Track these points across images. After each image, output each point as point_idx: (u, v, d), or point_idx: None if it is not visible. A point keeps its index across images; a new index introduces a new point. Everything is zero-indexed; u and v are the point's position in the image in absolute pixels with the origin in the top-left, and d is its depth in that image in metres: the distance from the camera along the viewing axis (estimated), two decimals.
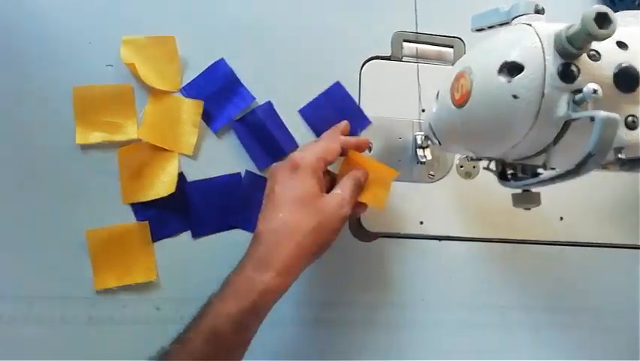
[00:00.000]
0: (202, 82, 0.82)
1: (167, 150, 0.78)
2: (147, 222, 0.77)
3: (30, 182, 0.77)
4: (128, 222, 0.77)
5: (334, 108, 0.83)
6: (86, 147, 0.78)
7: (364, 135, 0.83)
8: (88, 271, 0.76)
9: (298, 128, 0.83)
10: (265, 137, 0.81)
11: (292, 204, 0.65)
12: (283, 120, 0.83)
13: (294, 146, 0.82)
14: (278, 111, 0.83)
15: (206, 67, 0.82)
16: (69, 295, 0.75)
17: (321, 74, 0.84)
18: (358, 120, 0.84)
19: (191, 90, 0.81)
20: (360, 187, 0.72)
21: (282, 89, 0.83)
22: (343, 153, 0.74)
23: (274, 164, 0.71)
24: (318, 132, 0.83)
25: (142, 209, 0.78)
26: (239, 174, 0.81)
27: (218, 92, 0.81)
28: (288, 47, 0.84)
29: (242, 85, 0.82)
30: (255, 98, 0.81)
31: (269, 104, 0.82)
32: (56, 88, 0.78)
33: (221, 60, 0.82)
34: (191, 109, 0.80)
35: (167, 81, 0.80)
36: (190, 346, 0.60)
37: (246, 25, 0.84)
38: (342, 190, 0.69)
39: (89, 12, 0.80)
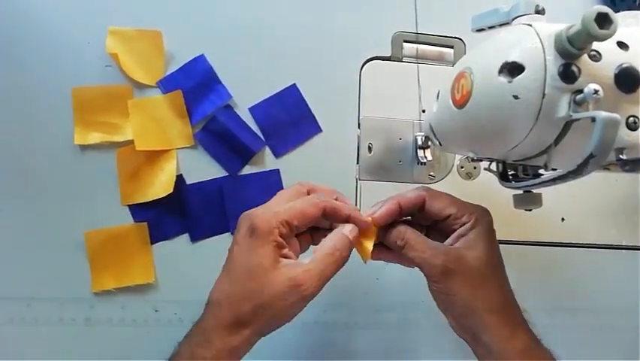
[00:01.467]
0: (180, 76, 0.82)
1: (165, 151, 0.79)
2: (146, 223, 0.78)
3: (28, 182, 0.77)
4: (126, 223, 0.78)
5: (286, 111, 0.83)
6: (84, 148, 0.78)
7: (367, 137, 0.84)
8: (86, 272, 0.76)
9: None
10: (230, 141, 0.80)
11: (240, 275, 0.59)
12: None
13: (262, 144, 0.82)
14: None
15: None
16: (67, 296, 0.76)
17: (321, 74, 0.84)
18: (309, 126, 0.83)
19: (168, 84, 0.81)
20: (340, 257, 0.61)
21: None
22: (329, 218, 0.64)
23: (245, 212, 0.61)
24: (265, 133, 0.83)
25: (140, 211, 0.78)
26: (238, 176, 0.81)
27: (195, 87, 0.81)
28: (287, 47, 0.85)
29: (219, 82, 0.82)
30: (231, 96, 0.82)
31: (228, 107, 0.82)
32: (55, 88, 0.78)
33: (201, 56, 0.82)
34: (172, 102, 0.80)
35: (149, 74, 0.81)
36: None
37: (246, 25, 0.84)
38: (313, 261, 0.59)
39: (88, 12, 0.81)
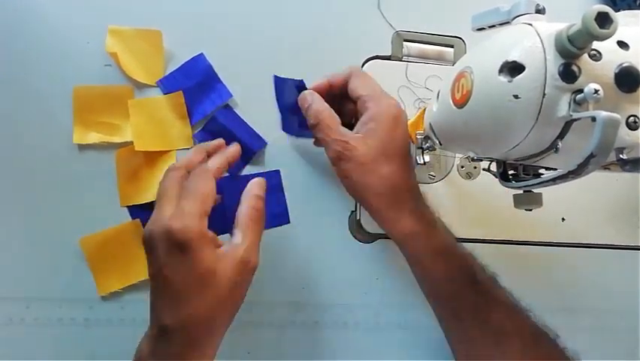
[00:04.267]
0: (179, 76, 0.82)
1: (165, 151, 0.79)
2: (139, 219, 0.78)
3: (26, 181, 0.77)
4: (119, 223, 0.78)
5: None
6: (83, 148, 0.78)
7: None
8: (85, 272, 0.76)
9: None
10: (230, 141, 0.79)
11: (193, 291, 0.57)
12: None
13: (263, 144, 0.82)
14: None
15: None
16: (67, 296, 0.76)
17: (321, 73, 0.83)
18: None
19: (167, 83, 0.81)
20: (259, 215, 0.64)
21: None
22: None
23: (148, 230, 0.60)
24: None
25: (139, 212, 0.78)
26: (239, 176, 0.81)
27: (195, 86, 0.82)
28: (286, 46, 0.85)
29: (220, 81, 0.82)
30: (231, 95, 0.82)
31: (227, 107, 0.82)
32: (54, 87, 0.79)
33: (201, 55, 0.82)
34: (172, 103, 0.81)
35: (149, 74, 0.81)
36: None
37: (246, 24, 0.84)
38: (241, 237, 0.61)
39: (88, 11, 0.81)
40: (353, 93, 0.71)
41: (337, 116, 0.71)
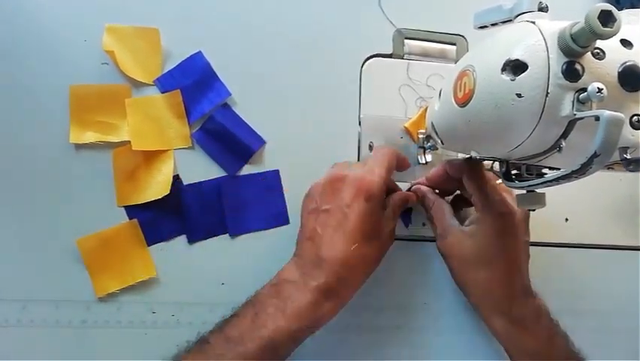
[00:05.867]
0: (177, 74, 0.82)
1: (162, 151, 0.79)
2: (136, 219, 0.78)
3: (22, 181, 0.77)
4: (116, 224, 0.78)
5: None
6: (79, 147, 0.78)
7: (368, 136, 0.84)
8: (82, 273, 0.76)
9: (294, 126, 0.84)
10: (229, 140, 0.81)
11: (366, 237, 0.66)
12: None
13: (262, 143, 0.82)
14: (278, 108, 0.83)
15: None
16: (63, 298, 0.76)
17: (321, 71, 0.85)
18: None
19: (165, 82, 0.81)
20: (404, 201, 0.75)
21: (283, 88, 0.83)
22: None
23: (344, 175, 0.69)
24: None
25: (137, 212, 0.78)
26: (237, 176, 0.81)
27: (193, 85, 0.81)
28: (286, 44, 0.85)
29: (218, 79, 0.82)
30: (230, 94, 0.82)
31: (226, 105, 0.82)
32: (50, 86, 0.79)
33: (199, 53, 0.82)
34: (170, 102, 0.81)
35: (146, 72, 0.81)
36: (243, 347, 0.62)
37: (245, 22, 0.84)
38: (393, 210, 0.72)
39: (85, 9, 0.81)
40: (467, 194, 0.75)
41: (448, 206, 0.77)
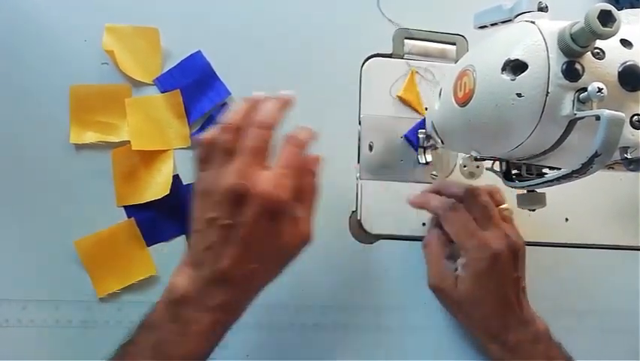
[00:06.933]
0: (177, 73, 0.82)
1: (162, 151, 0.79)
2: (133, 218, 0.78)
3: (22, 181, 0.77)
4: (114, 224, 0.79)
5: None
6: (79, 147, 0.79)
7: (368, 136, 0.84)
8: (82, 273, 0.76)
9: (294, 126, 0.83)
10: None
11: (270, 254, 0.62)
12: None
13: None
14: None
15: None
16: (63, 298, 0.76)
17: (321, 72, 0.85)
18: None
19: (165, 81, 0.81)
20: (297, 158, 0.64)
21: (283, 88, 0.82)
22: None
23: (240, 186, 0.59)
24: None
25: (136, 212, 0.78)
26: None
27: (193, 85, 0.81)
28: (286, 44, 0.85)
29: (218, 79, 0.82)
30: (230, 93, 0.82)
31: (225, 105, 0.82)
32: (50, 86, 0.79)
33: (198, 52, 0.82)
34: (170, 102, 0.81)
35: (146, 72, 0.81)
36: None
37: (244, 21, 0.85)
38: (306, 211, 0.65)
39: (84, 9, 0.81)
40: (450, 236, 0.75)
41: (442, 248, 0.77)
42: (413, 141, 0.84)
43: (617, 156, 0.49)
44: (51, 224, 0.77)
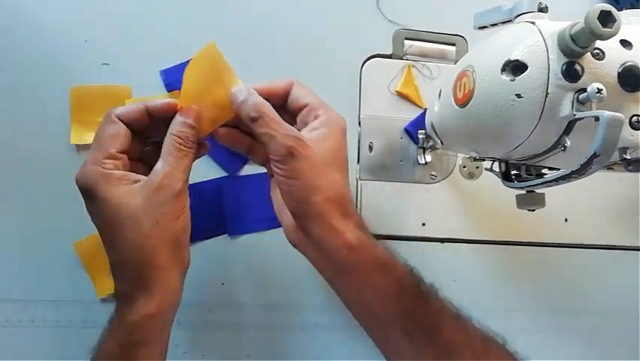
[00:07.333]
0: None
1: None
2: None
3: (23, 183, 0.78)
4: None
5: None
6: (81, 149, 0.79)
7: (368, 136, 0.84)
8: (82, 274, 0.77)
9: None
10: None
11: (114, 233, 0.59)
12: None
13: None
14: None
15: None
16: (63, 298, 0.76)
17: (320, 72, 0.85)
18: None
19: (170, 75, 0.81)
20: (182, 142, 0.61)
21: None
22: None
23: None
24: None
25: None
26: (238, 176, 0.82)
27: None
28: (286, 45, 0.85)
29: None
30: None
31: None
32: (50, 86, 0.79)
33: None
34: None
35: None
36: None
37: (245, 21, 0.85)
38: (160, 164, 0.60)
39: (85, 9, 0.81)
40: (297, 102, 0.66)
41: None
42: (413, 134, 0.84)
43: (616, 156, 0.50)
44: (52, 225, 0.77)
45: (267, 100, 0.63)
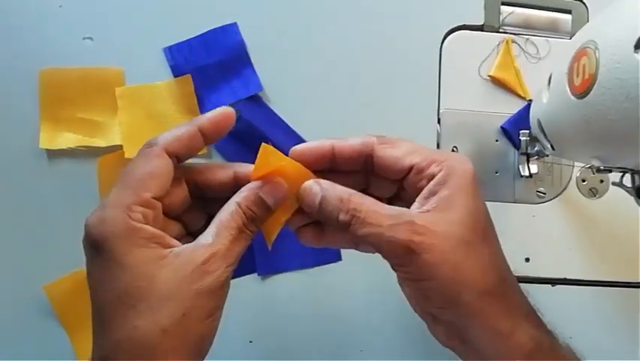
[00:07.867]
0: (197, 46, 0.81)
1: None
2: None
3: None
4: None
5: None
6: (53, 155, 0.80)
7: (450, 137, 0.86)
8: (54, 326, 0.79)
9: (347, 126, 0.84)
10: (258, 144, 0.70)
11: (120, 308, 0.54)
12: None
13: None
14: (329, 104, 0.84)
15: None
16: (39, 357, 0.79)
17: (386, 52, 0.86)
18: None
19: (177, 53, 0.81)
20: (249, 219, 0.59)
21: (334, 76, 0.85)
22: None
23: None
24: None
25: None
26: None
27: (215, 66, 0.82)
28: (346, 19, 0.86)
29: (250, 65, 0.82)
30: (261, 88, 0.82)
31: (256, 98, 0.82)
32: (11, 69, 0.80)
33: (233, 25, 0.82)
34: (178, 91, 0.81)
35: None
36: None
37: None
38: (212, 237, 0.57)
39: None
40: (395, 167, 0.63)
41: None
42: (513, 135, 0.83)
43: None
44: (16, 262, 0.79)
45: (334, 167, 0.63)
